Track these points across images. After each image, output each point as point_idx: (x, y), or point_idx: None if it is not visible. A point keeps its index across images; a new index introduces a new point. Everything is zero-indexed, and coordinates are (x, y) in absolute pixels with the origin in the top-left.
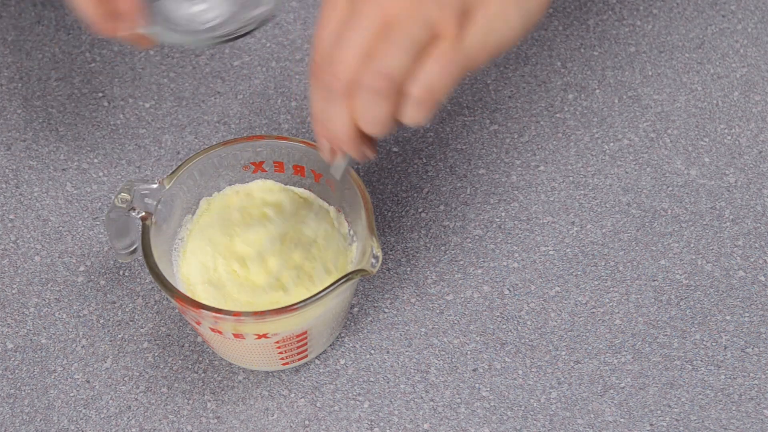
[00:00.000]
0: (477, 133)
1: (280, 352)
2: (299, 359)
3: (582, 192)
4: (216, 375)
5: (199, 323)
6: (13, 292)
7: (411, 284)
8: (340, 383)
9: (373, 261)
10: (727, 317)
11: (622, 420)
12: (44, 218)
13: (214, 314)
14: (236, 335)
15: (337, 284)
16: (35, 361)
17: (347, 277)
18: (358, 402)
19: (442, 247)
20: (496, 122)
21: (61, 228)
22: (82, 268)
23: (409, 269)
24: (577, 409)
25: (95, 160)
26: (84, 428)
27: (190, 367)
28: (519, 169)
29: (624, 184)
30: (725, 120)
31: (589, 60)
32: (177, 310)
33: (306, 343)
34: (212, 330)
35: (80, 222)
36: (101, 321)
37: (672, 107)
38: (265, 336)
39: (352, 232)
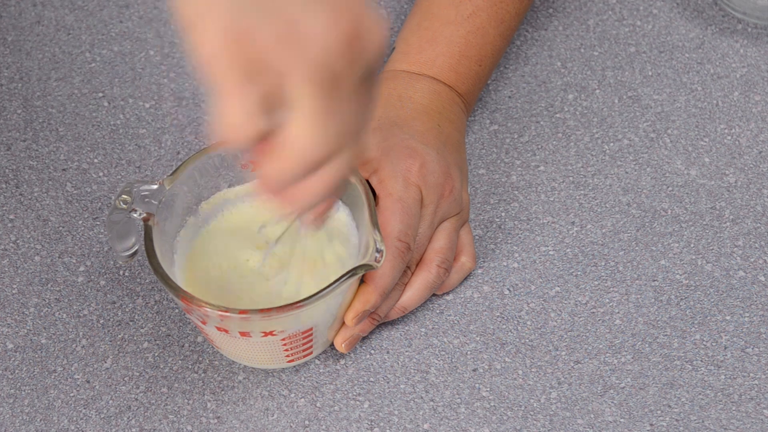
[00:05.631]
0: (477, 133)
1: (286, 350)
2: (304, 356)
3: (582, 192)
4: (216, 375)
5: (204, 322)
6: (13, 292)
7: None
8: (340, 383)
9: (377, 255)
10: (727, 317)
11: (622, 420)
12: (44, 218)
13: (220, 313)
14: (242, 333)
15: (342, 280)
16: (35, 361)
17: (352, 272)
18: (358, 402)
19: None
20: (496, 122)
21: (61, 228)
22: (82, 268)
23: None
24: (577, 409)
25: (95, 160)
26: (84, 428)
27: (190, 367)
28: (519, 169)
29: (624, 184)
30: (725, 120)
31: (589, 60)
32: (177, 310)
33: (311, 340)
34: (218, 329)
35: (80, 222)
36: (101, 321)
37: (672, 107)
38: (271, 333)
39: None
